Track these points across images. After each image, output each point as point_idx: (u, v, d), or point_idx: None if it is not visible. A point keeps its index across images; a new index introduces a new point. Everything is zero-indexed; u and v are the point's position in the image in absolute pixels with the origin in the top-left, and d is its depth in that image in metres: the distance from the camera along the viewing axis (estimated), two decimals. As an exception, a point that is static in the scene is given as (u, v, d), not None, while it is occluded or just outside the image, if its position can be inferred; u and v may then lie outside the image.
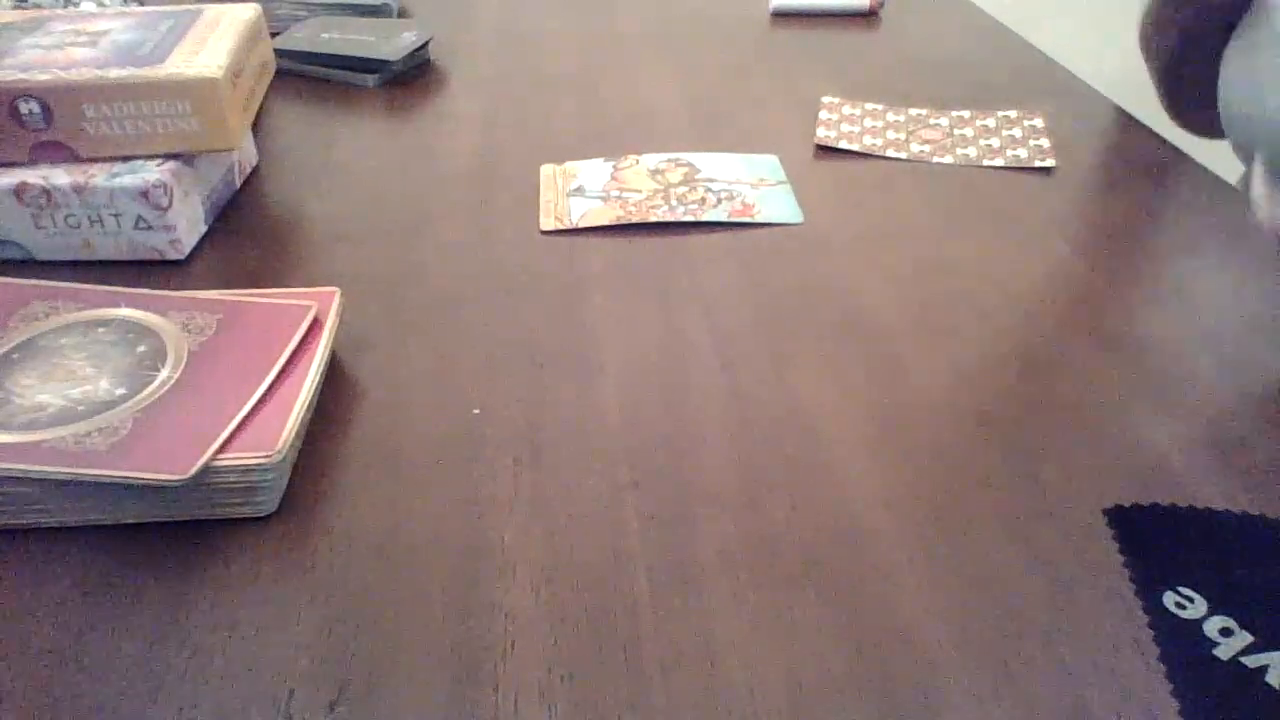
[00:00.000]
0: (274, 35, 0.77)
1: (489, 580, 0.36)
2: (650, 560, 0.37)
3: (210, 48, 0.57)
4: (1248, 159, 0.53)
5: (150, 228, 0.54)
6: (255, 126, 0.68)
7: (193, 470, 0.36)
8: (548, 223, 0.59)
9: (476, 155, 0.67)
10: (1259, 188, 0.49)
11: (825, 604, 0.35)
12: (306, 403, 0.41)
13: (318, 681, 0.33)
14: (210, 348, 0.44)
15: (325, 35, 0.81)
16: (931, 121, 0.71)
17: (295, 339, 0.44)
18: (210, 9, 0.63)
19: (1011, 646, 0.34)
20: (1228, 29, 0.59)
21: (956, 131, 0.70)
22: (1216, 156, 0.70)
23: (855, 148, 0.67)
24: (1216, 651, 0.33)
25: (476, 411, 0.44)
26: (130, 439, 0.38)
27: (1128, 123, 0.72)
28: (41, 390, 0.41)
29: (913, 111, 0.73)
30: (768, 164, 0.65)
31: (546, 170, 0.65)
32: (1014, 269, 0.55)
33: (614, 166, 0.65)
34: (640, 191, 0.62)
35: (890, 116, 0.72)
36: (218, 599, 0.35)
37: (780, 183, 0.63)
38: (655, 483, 0.40)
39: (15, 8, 0.75)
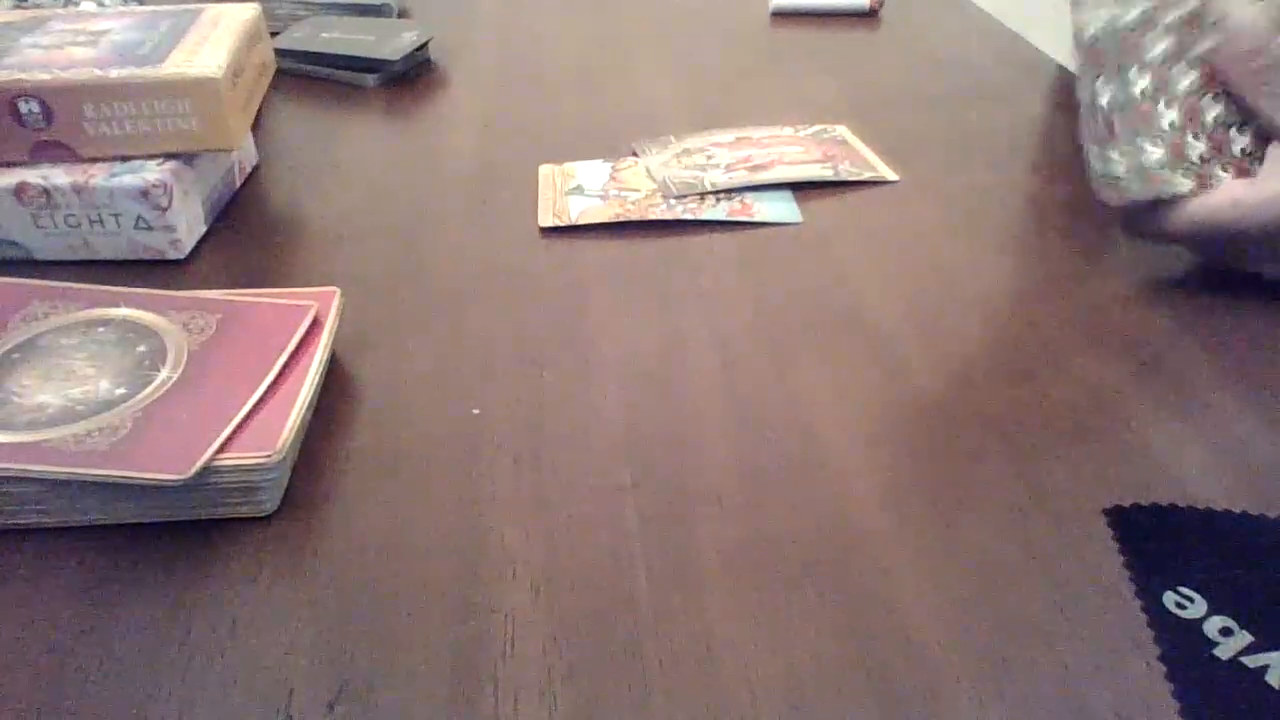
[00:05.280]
0: (274, 35, 0.77)
1: (489, 580, 0.36)
2: (650, 560, 0.37)
3: (210, 48, 0.57)
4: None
5: (150, 228, 0.54)
6: (255, 126, 0.68)
7: (193, 470, 0.36)
8: (547, 219, 0.59)
9: (476, 155, 0.67)
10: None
11: (825, 604, 0.35)
12: (306, 403, 0.41)
13: (318, 681, 0.33)
14: (210, 348, 0.44)
15: (325, 35, 0.81)
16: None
17: (295, 339, 0.44)
18: (210, 9, 0.63)
19: (1011, 646, 0.34)
20: None
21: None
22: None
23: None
24: (1216, 651, 0.33)
25: (476, 411, 0.44)
26: (130, 439, 0.38)
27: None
28: (41, 390, 0.41)
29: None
30: (768, 164, 0.65)
31: (545, 170, 0.65)
32: (1013, 268, 0.55)
33: (613, 167, 0.65)
34: (639, 191, 0.62)
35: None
36: (218, 599, 0.35)
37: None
38: (655, 483, 0.40)
39: (15, 8, 0.75)
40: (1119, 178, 0.50)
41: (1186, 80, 0.48)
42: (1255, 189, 0.47)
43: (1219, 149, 0.48)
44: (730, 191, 0.61)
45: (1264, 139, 0.48)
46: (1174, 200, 0.49)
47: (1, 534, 0.38)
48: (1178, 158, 0.49)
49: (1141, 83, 0.49)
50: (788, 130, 0.70)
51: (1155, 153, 0.49)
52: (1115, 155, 0.50)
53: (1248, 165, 0.48)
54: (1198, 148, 0.49)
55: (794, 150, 0.66)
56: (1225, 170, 0.49)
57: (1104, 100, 0.50)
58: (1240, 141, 0.48)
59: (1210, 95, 0.48)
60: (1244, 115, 0.48)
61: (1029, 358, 0.47)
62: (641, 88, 0.78)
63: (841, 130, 0.70)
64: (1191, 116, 0.49)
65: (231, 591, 0.36)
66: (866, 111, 0.73)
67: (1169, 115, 0.49)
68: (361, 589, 0.36)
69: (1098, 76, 0.51)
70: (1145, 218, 0.51)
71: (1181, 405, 0.44)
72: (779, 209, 0.60)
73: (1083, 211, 0.60)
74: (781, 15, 0.93)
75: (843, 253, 0.56)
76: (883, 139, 0.69)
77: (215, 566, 0.37)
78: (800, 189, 0.62)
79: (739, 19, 0.93)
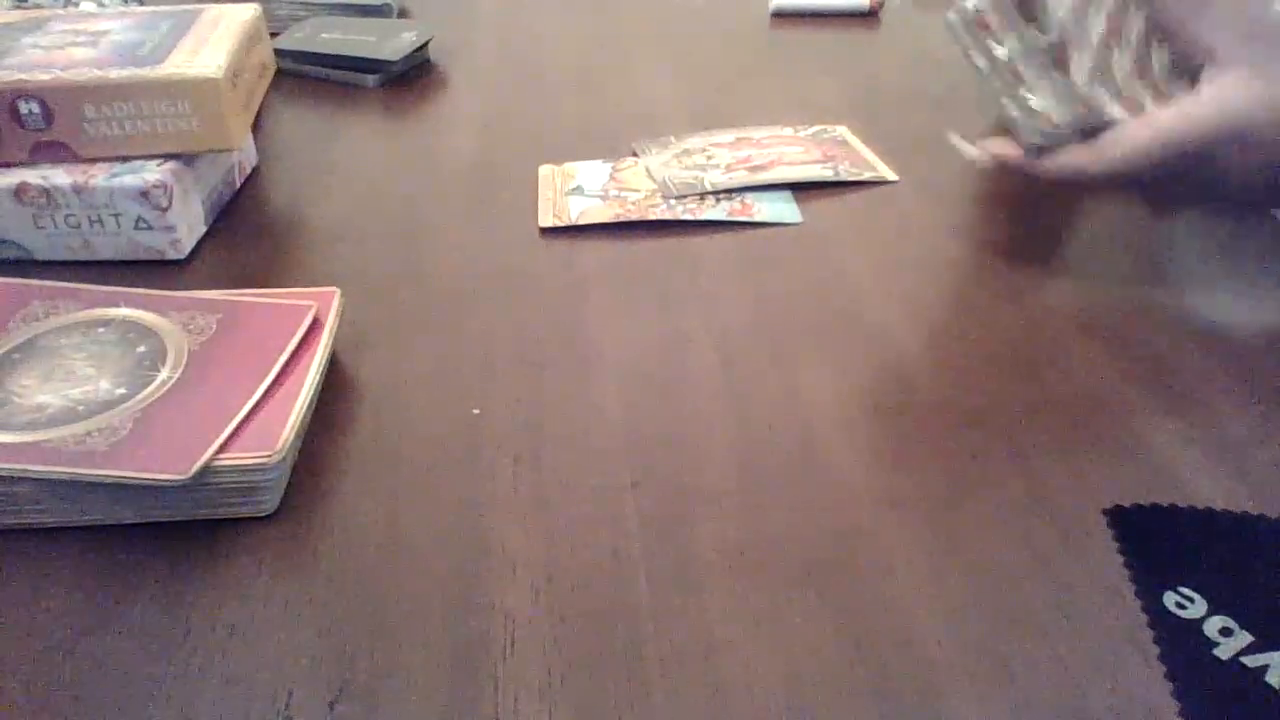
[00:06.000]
0: (274, 35, 0.77)
1: (489, 580, 0.36)
2: (650, 560, 0.37)
3: (210, 48, 0.57)
4: None
5: (150, 228, 0.54)
6: (255, 126, 0.68)
7: (193, 470, 0.36)
8: (546, 219, 0.59)
9: (476, 155, 0.67)
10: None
11: (825, 604, 0.35)
12: (306, 403, 0.41)
13: (318, 681, 0.33)
14: (210, 348, 0.44)
15: (325, 35, 0.81)
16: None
17: (295, 339, 0.44)
18: (210, 9, 0.63)
19: (1011, 646, 0.34)
20: None
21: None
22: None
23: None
24: (1216, 651, 0.33)
25: (476, 411, 0.44)
26: (130, 439, 0.38)
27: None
28: (41, 390, 0.41)
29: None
30: (768, 164, 0.65)
31: (545, 170, 0.65)
32: (1013, 268, 0.55)
33: (613, 167, 0.65)
34: (639, 191, 0.62)
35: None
36: (218, 599, 0.35)
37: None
38: (655, 483, 0.40)
39: (15, 8, 0.75)
40: (1038, 112, 0.50)
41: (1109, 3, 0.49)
42: (1200, 101, 0.46)
43: (1141, 71, 0.49)
44: (730, 192, 0.61)
45: (1181, 64, 0.48)
46: (1110, 128, 0.48)
47: (1, 534, 0.38)
48: (1103, 74, 0.48)
49: (1060, 13, 0.49)
50: (788, 130, 0.70)
51: (1080, 74, 0.49)
52: (1031, 94, 0.50)
53: (1165, 89, 0.48)
54: (1123, 64, 0.49)
55: (794, 150, 0.66)
56: (1147, 91, 0.49)
57: (1002, 53, 0.50)
58: (1162, 58, 0.49)
59: (1134, 9, 0.48)
60: (1164, 35, 0.48)
61: (1029, 358, 0.47)
62: (641, 88, 0.78)
63: (841, 130, 0.70)
64: (1114, 31, 0.49)
65: (231, 591, 0.36)
66: (866, 111, 0.73)
67: (1096, 29, 0.49)
68: (361, 589, 0.36)
69: (988, 39, 0.51)
70: (1086, 162, 0.49)
71: (1181, 405, 0.44)
72: (779, 209, 0.60)
73: (1083, 212, 0.60)
74: (781, 15, 0.93)
75: (843, 253, 0.56)
76: (883, 139, 0.69)
77: (215, 566, 0.37)
78: (800, 189, 0.62)
79: (739, 19, 0.93)
